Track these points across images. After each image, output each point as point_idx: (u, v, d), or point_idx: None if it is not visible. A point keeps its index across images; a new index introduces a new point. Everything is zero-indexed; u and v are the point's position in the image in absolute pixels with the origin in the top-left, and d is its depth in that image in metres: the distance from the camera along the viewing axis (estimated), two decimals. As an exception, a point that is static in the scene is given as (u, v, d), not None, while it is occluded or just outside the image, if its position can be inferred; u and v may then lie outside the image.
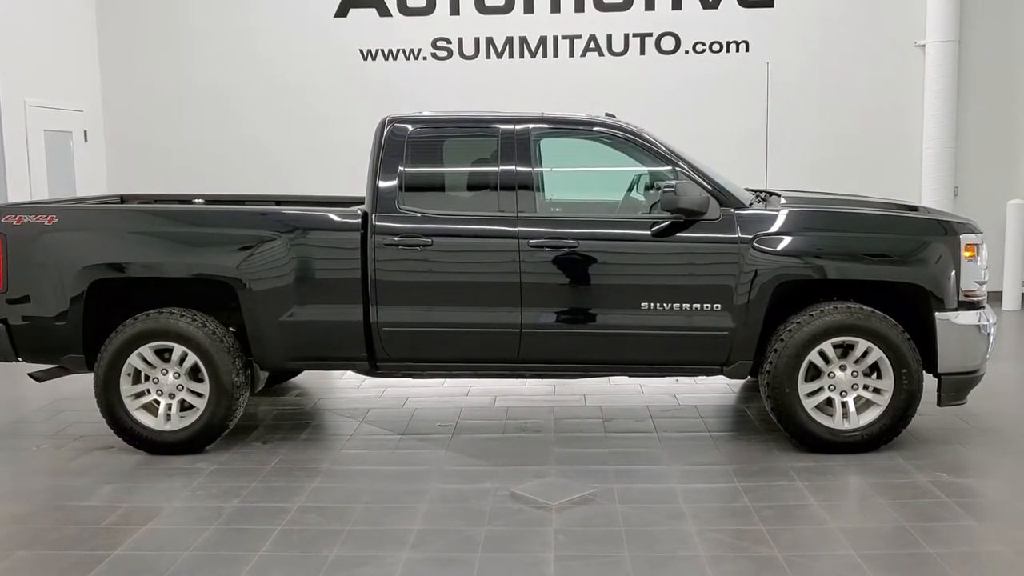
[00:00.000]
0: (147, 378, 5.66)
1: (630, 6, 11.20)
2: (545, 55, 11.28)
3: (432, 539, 4.39)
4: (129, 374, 5.63)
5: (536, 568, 4.07)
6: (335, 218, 5.71)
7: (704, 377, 7.13)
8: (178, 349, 5.60)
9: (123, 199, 7.08)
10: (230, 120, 11.47)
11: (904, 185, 10.76)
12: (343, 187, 7.50)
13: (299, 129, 11.40)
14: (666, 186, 5.43)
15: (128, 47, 11.57)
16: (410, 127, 5.82)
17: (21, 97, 10.04)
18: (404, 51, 11.36)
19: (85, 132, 11.20)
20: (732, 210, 5.57)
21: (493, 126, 5.83)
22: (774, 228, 5.55)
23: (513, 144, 5.71)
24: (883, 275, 5.59)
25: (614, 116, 6.12)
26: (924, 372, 5.52)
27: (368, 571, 4.06)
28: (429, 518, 4.64)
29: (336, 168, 10.35)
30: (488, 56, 11.33)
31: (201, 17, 11.50)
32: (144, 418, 5.66)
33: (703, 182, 5.59)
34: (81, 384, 5.99)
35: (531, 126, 5.79)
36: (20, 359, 5.85)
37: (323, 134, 11.30)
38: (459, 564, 4.13)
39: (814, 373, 5.53)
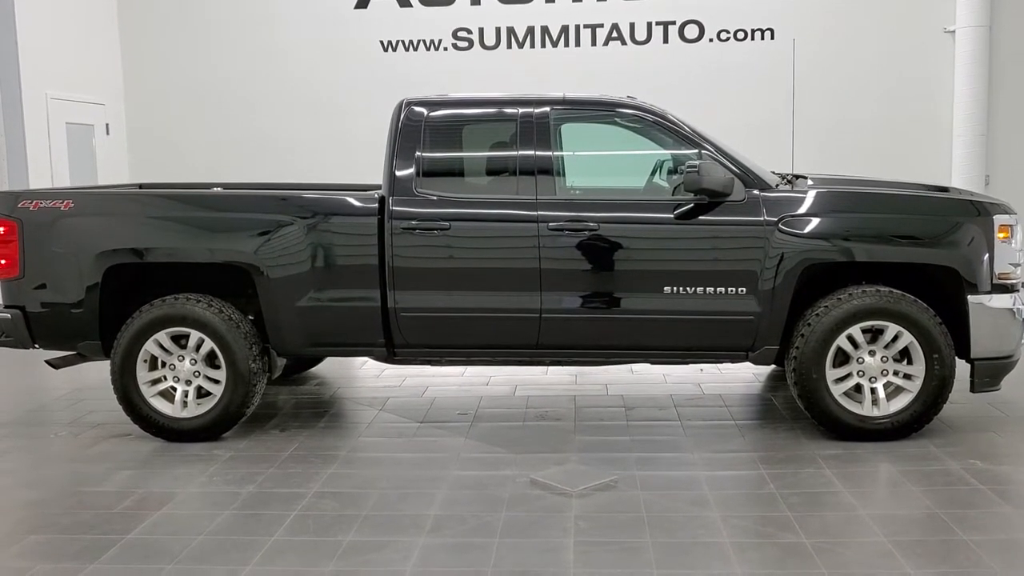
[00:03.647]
0: (164, 364, 5.61)
1: (653, -7, 11.07)
2: (567, 44, 11.17)
3: (449, 525, 4.29)
4: (145, 360, 5.58)
5: (555, 554, 3.97)
6: (352, 202, 5.63)
7: (729, 366, 7.02)
8: (195, 335, 5.54)
9: (142, 187, 7.05)
10: (250, 113, 11.46)
11: (934, 173, 10.52)
12: (363, 179, 7.40)
13: (319, 121, 11.37)
14: (689, 166, 5.29)
15: (149, 41, 11.59)
16: (427, 110, 5.72)
17: (43, 90, 10.07)
18: (424, 42, 11.30)
19: (107, 125, 11.22)
20: (757, 192, 5.44)
21: (512, 108, 5.72)
22: (801, 210, 5.40)
23: (533, 126, 5.60)
24: (913, 257, 5.43)
25: (635, 99, 5.99)
26: (956, 357, 5.36)
27: (384, 556, 3.98)
28: (446, 504, 4.55)
29: (356, 160, 10.24)
30: (509, 46, 11.24)
31: (221, 10, 11.51)
32: (161, 405, 5.60)
33: (728, 163, 5.46)
34: (103, 373, 5.96)
35: (551, 108, 5.68)
36: (37, 346, 5.82)
37: (343, 126, 11.25)
38: (477, 549, 4.03)
39: (842, 358, 5.37)
